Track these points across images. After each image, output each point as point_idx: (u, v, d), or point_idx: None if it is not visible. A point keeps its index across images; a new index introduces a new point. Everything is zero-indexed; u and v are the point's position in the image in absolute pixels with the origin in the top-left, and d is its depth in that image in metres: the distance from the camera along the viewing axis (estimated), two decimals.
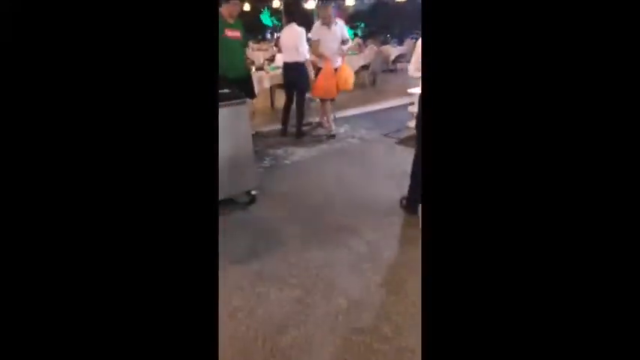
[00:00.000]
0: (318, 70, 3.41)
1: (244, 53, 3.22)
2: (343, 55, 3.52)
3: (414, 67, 2.05)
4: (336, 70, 3.39)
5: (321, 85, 3.38)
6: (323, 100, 3.59)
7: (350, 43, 3.77)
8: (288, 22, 3.43)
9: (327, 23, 3.29)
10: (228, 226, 2.06)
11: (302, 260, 1.75)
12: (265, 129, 3.84)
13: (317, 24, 3.38)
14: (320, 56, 3.36)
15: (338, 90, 3.46)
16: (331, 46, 3.34)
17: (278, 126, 3.72)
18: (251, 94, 3.21)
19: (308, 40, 3.37)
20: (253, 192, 2.30)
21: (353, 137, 3.57)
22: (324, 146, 3.36)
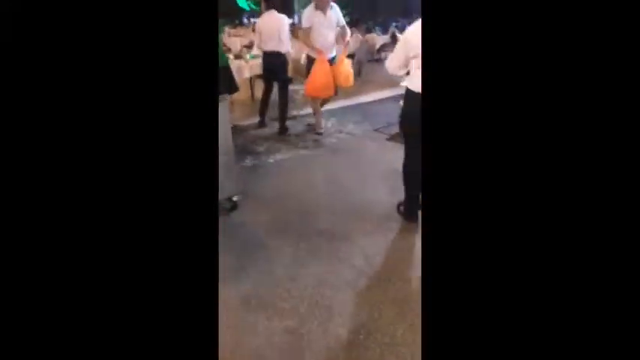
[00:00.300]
0: (310, 62, 2.93)
1: (219, 39, 2.90)
2: (345, 44, 3.04)
3: (397, 63, 1.67)
4: (330, 62, 2.93)
5: (316, 81, 2.83)
6: (314, 98, 3.10)
7: (348, 31, 3.15)
8: (268, 8, 3.10)
9: (323, 7, 2.84)
10: None
11: (293, 279, 1.55)
12: (245, 122, 3.56)
13: (309, 8, 2.91)
14: (312, 47, 2.88)
15: (336, 87, 2.95)
16: (326, 34, 2.88)
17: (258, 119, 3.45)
18: (231, 87, 2.88)
19: (292, 25, 3.06)
20: (235, 198, 2.06)
21: (341, 132, 3.35)
22: (310, 143, 3.12)
